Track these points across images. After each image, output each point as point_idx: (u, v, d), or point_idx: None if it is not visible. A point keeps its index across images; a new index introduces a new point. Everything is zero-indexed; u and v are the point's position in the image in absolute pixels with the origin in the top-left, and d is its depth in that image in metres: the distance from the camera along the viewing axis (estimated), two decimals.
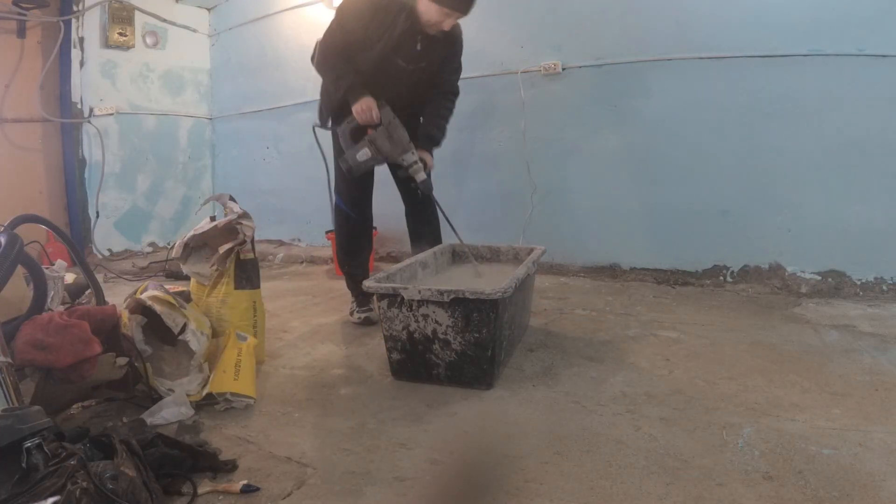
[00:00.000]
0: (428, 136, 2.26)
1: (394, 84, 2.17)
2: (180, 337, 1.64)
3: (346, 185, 2.34)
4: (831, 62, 2.61)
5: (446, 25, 2.06)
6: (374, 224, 3.48)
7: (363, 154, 2.12)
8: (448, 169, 3.50)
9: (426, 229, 2.41)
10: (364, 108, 2.06)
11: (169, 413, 1.48)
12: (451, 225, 2.30)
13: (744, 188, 2.84)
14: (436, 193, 2.29)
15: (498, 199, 3.46)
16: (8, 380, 1.12)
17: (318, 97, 2.38)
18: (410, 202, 2.43)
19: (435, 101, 2.30)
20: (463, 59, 2.35)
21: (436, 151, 2.32)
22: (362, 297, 2.40)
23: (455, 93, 2.35)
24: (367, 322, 2.34)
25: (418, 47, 2.12)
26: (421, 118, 2.31)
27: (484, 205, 3.49)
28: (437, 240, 2.41)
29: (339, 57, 2.10)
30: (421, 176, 2.14)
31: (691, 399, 1.58)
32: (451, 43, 2.23)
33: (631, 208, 3.11)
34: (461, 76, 2.38)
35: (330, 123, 2.30)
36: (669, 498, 1.13)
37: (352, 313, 2.41)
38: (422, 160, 2.16)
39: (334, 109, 2.22)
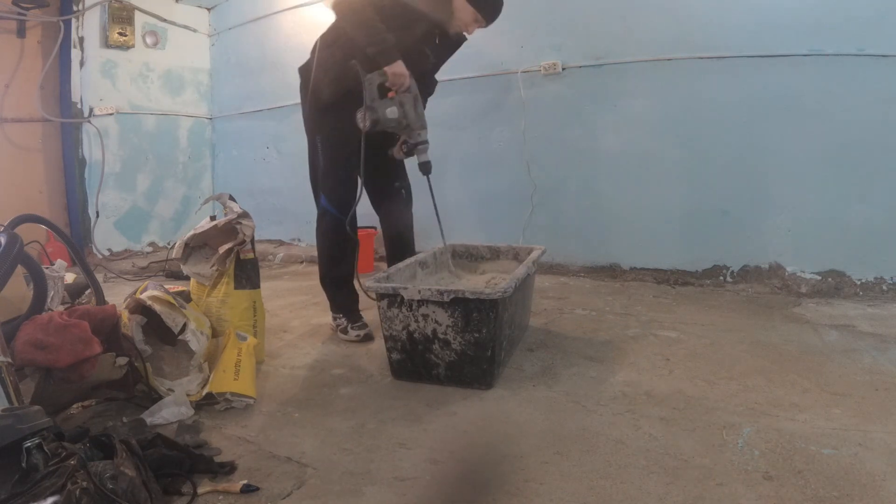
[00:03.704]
0: None
1: (412, 70, 2.05)
2: (180, 337, 1.64)
3: (337, 185, 2.16)
4: (831, 62, 2.61)
5: (471, 30, 2.07)
6: (373, 224, 3.50)
7: (392, 112, 2.00)
8: (448, 169, 3.51)
9: (400, 244, 2.31)
10: (400, 71, 1.95)
11: (169, 413, 1.48)
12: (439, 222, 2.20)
13: (744, 188, 2.84)
14: (436, 193, 2.26)
15: (498, 199, 3.46)
16: (8, 380, 1.12)
17: None
18: (386, 204, 2.29)
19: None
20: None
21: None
22: (353, 313, 2.22)
23: (432, 95, 2.32)
24: (367, 339, 2.16)
25: (437, 42, 2.12)
26: None
27: (484, 205, 3.50)
28: (411, 252, 2.28)
29: (374, 13, 1.94)
30: (426, 156, 2.09)
31: (691, 399, 1.58)
32: (456, 46, 2.22)
33: (631, 208, 3.11)
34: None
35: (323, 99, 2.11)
36: (669, 498, 1.13)
37: (344, 331, 2.19)
38: None
39: (349, 74, 1.99)
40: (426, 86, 2.22)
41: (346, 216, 2.16)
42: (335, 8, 1.99)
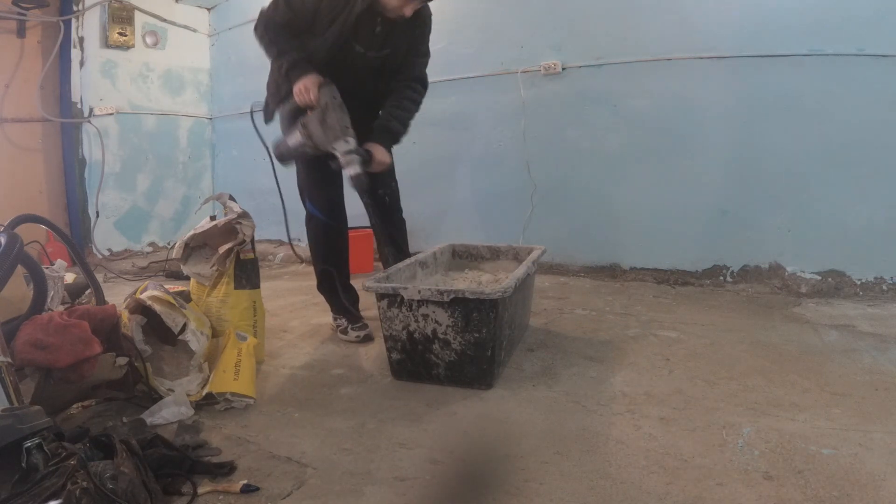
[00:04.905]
0: (384, 129, 2.01)
1: (353, 73, 1.96)
2: (180, 337, 1.64)
3: (318, 189, 2.12)
4: (831, 62, 2.61)
5: (408, 11, 1.86)
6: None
7: (294, 139, 1.88)
8: (448, 169, 3.51)
9: (390, 248, 2.18)
10: (303, 87, 1.82)
11: (169, 413, 1.48)
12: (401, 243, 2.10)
13: (744, 188, 2.84)
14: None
15: (498, 199, 3.46)
16: (8, 380, 1.12)
17: None
18: (372, 213, 2.15)
19: (397, 91, 2.05)
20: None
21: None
22: (352, 314, 2.20)
23: (420, 80, 2.09)
24: (367, 339, 2.14)
25: (377, 30, 1.92)
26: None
27: (484, 205, 3.49)
28: (404, 256, 2.18)
29: (282, 30, 1.87)
30: (354, 169, 1.82)
31: (691, 399, 1.58)
32: (418, 24, 1.99)
33: (631, 208, 3.11)
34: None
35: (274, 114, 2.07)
36: (669, 498, 1.13)
37: (344, 332, 2.18)
38: (367, 152, 1.89)
39: (281, 95, 1.95)
40: (383, 85, 2.05)
41: (330, 217, 2.15)
42: (256, 33, 1.97)
